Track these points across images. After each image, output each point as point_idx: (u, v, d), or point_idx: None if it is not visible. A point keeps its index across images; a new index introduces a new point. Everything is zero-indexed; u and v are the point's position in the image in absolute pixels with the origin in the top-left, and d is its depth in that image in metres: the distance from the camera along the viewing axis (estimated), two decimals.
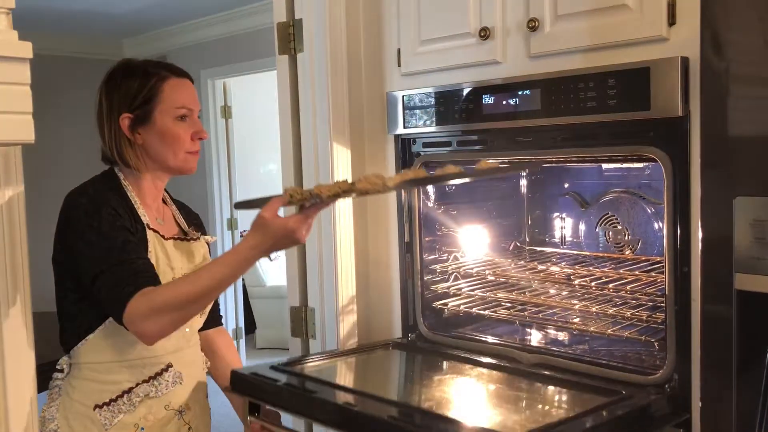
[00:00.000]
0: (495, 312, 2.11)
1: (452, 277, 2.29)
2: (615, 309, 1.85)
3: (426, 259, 2.21)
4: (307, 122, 2.23)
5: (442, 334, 2.14)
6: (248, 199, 1.59)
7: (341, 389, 1.78)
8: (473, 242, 2.38)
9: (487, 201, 2.47)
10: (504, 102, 1.86)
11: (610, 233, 2.35)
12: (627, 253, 2.31)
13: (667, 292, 1.65)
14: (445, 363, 1.98)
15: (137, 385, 1.60)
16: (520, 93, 1.83)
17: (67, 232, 1.55)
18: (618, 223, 2.33)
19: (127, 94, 1.59)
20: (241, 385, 1.78)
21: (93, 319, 1.57)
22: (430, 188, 2.19)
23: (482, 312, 2.15)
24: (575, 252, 2.39)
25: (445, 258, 2.30)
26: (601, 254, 2.33)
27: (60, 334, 1.64)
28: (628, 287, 1.88)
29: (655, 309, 1.83)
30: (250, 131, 6.35)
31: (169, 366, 1.65)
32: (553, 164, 2.35)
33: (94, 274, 1.49)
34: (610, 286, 1.93)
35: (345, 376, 2.02)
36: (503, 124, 1.88)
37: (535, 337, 2.08)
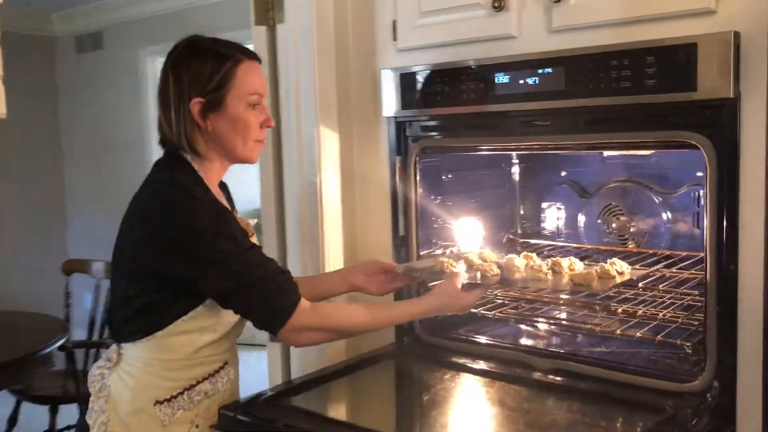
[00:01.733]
0: (501, 312, 1.93)
1: None
2: (644, 309, 1.69)
3: (422, 255, 2.01)
4: (289, 103, 1.99)
5: (441, 337, 1.95)
6: (417, 265, 1.85)
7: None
8: (468, 235, 2.19)
9: (482, 191, 2.29)
10: (521, 81, 1.67)
11: (614, 225, 2.20)
12: (631, 246, 2.17)
13: (708, 292, 1.50)
14: (447, 377, 1.77)
15: (198, 383, 1.54)
16: (540, 71, 1.64)
17: (180, 238, 1.40)
18: (622, 214, 2.19)
19: (199, 76, 1.45)
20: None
21: (168, 316, 1.46)
22: (424, 178, 1.98)
23: (486, 313, 1.97)
24: (574, 245, 2.24)
25: (441, 253, 2.10)
26: (603, 247, 2.18)
27: (119, 324, 1.52)
28: (660, 286, 1.73)
29: (687, 309, 1.68)
30: None
31: (226, 363, 1.60)
32: (549, 151, 2.18)
33: (236, 284, 1.41)
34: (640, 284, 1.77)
35: (338, 410, 1.78)
36: (519, 106, 1.70)
37: (547, 340, 1.91)
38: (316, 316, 1.49)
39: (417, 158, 1.93)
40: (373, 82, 2.00)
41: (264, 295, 1.42)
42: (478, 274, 1.75)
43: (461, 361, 1.83)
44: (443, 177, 2.11)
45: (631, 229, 2.16)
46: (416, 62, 1.88)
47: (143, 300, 1.46)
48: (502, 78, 1.70)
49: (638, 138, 1.59)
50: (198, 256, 1.39)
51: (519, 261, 1.78)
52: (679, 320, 1.62)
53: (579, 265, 1.76)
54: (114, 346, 1.54)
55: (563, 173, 2.32)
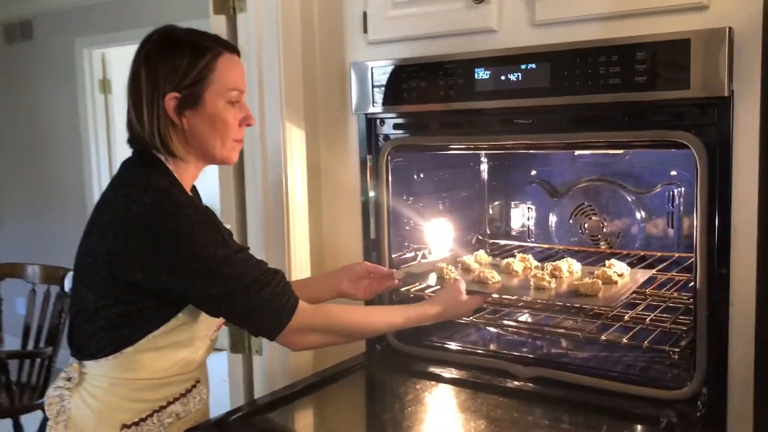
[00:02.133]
0: (477, 317, 1.85)
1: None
2: (631, 312, 1.64)
3: (394, 259, 1.91)
4: (251, 98, 1.85)
5: (415, 345, 1.86)
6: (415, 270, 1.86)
7: None
8: (439, 237, 2.11)
9: (452, 191, 2.21)
10: (503, 77, 1.60)
11: (586, 225, 2.16)
12: (603, 246, 2.13)
13: (697, 296, 1.46)
14: (422, 388, 1.67)
15: (168, 404, 1.41)
16: (524, 67, 1.57)
17: (166, 245, 1.28)
18: (594, 213, 2.14)
19: (175, 70, 1.32)
20: None
21: (142, 330, 1.34)
22: (396, 178, 1.89)
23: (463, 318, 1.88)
24: (545, 245, 2.18)
25: (414, 256, 2.01)
26: (575, 248, 2.14)
27: (84, 339, 1.37)
28: (648, 290, 1.68)
29: (674, 313, 1.64)
30: None
31: (198, 382, 1.47)
32: (521, 150, 2.12)
33: (231, 290, 1.31)
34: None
35: (312, 427, 1.66)
36: (500, 104, 1.62)
37: (528, 346, 1.84)
38: (319, 317, 1.43)
39: (389, 157, 1.83)
40: (342, 77, 1.89)
41: (261, 298, 1.32)
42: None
43: (437, 370, 1.74)
44: (415, 177, 2.02)
45: (604, 230, 2.12)
46: (388, 56, 1.78)
47: (115, 312, 1.32)
48: (482, 74, 1.62)
49: (625, 137, 1.53)
50: (187, 263, 1.27)
51: (517, 265, 1.72)
52: (667, 324, 1.57)
53: (576, 267, 1.71)
54: (75, 365, 1.39)
55: (533, 172, 2.26)
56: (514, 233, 2.32)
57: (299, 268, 1.88)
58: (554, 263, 1.76)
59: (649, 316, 1.60)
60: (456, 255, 2.05)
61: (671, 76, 1.39)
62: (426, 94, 1.70)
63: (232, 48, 1.40)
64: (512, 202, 2.32)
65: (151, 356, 1.35)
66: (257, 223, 1.90)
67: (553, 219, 2.22)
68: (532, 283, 1.70)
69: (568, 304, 1.68)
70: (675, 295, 1.71)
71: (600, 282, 1.62)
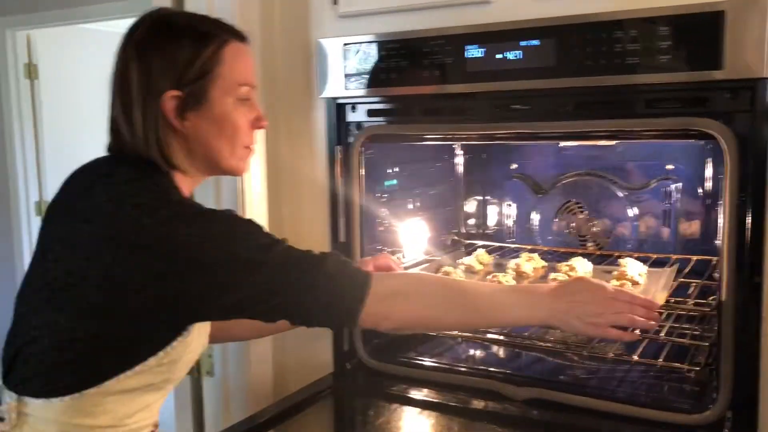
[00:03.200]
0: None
1: None
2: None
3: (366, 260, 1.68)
4: None
5: (391, 362, 1.63)
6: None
7: None
8: (413, 238, 1.89)
9: (427, 186, 1.99)
10: (499, 56, 1.38)
11: (572, 224, 1.97)
12: (591, 247, 1.94)
13: (723, 308, 1.28)
14: (399, 414, 1.45)
15: None
16: (524, 44, 1.35)
17: (212, 260, 1.02)
18: (582, 211, 1.95)
19: (174, 63, 1.09)
20: None
21: (115, 367, 1.07)
22: (369, 172, 1.65)
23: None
24: (528, 246, 1.98)
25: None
26: (561, 249, 1.95)
27: (34, 373, 1.08)
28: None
29: (684, 322, 1.46)
30: (65, 95, 5.28)
31: (155, 426, 1.21)
32: (499, 141, 1.92)
33: (295, 292, 1.05)
34: None
35: None
36: (496, 86, 1.40)
37: (523, 363, 1.63)
38: (404, 276, 1.27)
39: (362, 148, 1.60)
40: (307, 56, 1.64)
41: (324, 277, 1.07)
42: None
43: (417, 393, 1.53)
44: (389, 171, 1.79)
45: (593, 229, 1.94)
46: (363, 31, 1.54)
47: (96, 344, 1.05)
48: (474, 51, 1.40)
49: (641, 126, 1.33)
50: (240, 276, 1.02)
51: (527, 266, 1.53)
52: (685, 340, 1.39)
53: (588, 267, 1.53)
54: (13, 403, 1.11)
55: (514, 166, 2.06)
56: (492, 233, 2.12)
57: None
58: (568, 263, 1.58)
59: (664, 327, 1.41)
60: (441, 257, 1.85)
61: (701, 54, 1.20)
62: (408, 75, 1.47)
63: (239, 35, 1.17)
64: (490, 199, 2.12)
65: (116, 400, 1.08)
66: None
67: (536, 217, 2.02)
68: None
69: None
70: (690, 303, 1.52)
71: (629, 284, 1.43)
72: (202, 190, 1.63)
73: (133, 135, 1.09)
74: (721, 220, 1.28)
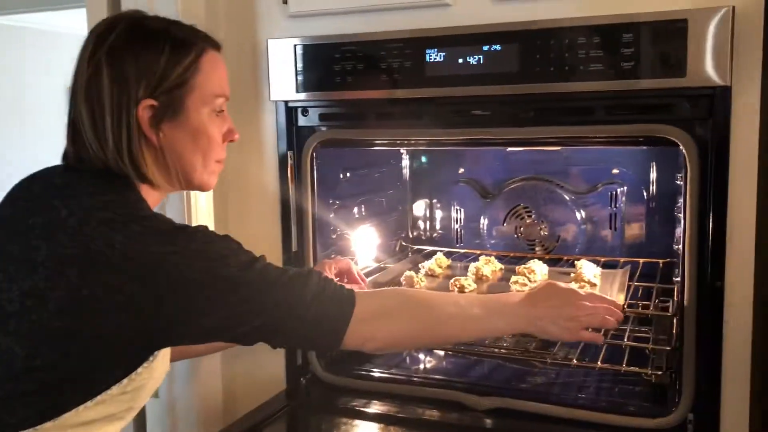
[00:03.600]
0: None
1: None
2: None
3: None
4: None
5: (346, 375, 1.58)
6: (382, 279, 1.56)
7: None
8: (364, 245, 1.84)
9: (376, 192, 1.95)
10: (460, 60, 1.35)
11: (521, 229, 1.96)
12: (538, 251, 1.94)
13: (686, 313, 1.29)
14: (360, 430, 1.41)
15: None
16: (486, 48, 1.33)
17: (199, 279, 0.95)
18: (530, 216, 1.95)
19: (151, 70, 1.02)
20: None
21: (71, 401, 0.95)
22: (321, 179, 1.59)
23: None
24: (477, 251, 1.96)
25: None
26: (510, 254, 1.94)
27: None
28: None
29: (642, 326, 1.48)
30: None
31: None
32: (447, 146, 1.89)
33: (279, 316, 1.00)
34: None
35: None
36: (456, 91, 1.37)
37: (485, 372, 1.61)
38: (386, 292, 1.22)
39: (314, 154, 1.53)
40: (254, 56, 1.56)
41: (314, 300, 1.02)
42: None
43: (376, 407, 1.48)
44: (341, 176, 1.73)
45: (541, 233, 1.94)
46: (315, 32, 1.48)
47: (55, 375, 0.93)
48: (434, 55, 1.36)
49: (601, 132, 1.34)
50: (220, 296, 0.95)
51: (487, 269, 1.52)
52: (647, 345, 1.40)
53: (545, 269, 1.53)
54: None
55: (461, 170, 2.04)
56: (439, 238, 2.09)
57: None
58: (526, 266, 1.59)
59: (625, 332, 1.42)
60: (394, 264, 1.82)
61: (665, 62, 1.21)
62: (364, 78, 1.42)
63: (215, 43, 1.12)
64: (437, 204, 2.09)
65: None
66: None
67: (484, 222, 2.01)
68: (513, 289, 1.51)
69: None
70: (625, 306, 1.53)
71: (587, 286, 1.45)
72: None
73: (103, 146, 1.01)
74: (677, 226, 1.30)
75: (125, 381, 0.98)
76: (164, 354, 1.05)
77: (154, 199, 1.08)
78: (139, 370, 0.99)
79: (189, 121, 1.06)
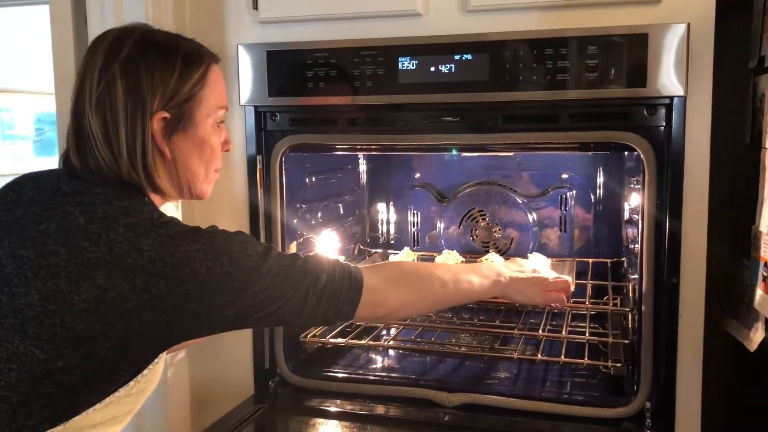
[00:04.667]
0: (380, 340, 1.64)
1: None
2: (568, 328, 1.53)
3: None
4: None
5: (315, 377, 1.60)
6: None
7: None
8: (327, 248, 1.86)
9: (336, 196, 1.97)
10: (432, 68, 1.39)
11: (476, 231, 2.03)
12: (493, 253, 2.01)
13: (644, 308, 1.38)
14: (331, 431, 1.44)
15: None
16: (457, 57, 1.38)
17: (221, 275, 0.98)
18: (485, 219, 2.02)
19: (165, 83, 1.05)
20: None
21: (85, 402, 0.96)
22: (290, 183, 1.60)
23: (364, 343, 1.66)
24: (434, 254, 2.02)
25: None
26: (465, 256, 1.99)
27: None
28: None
29: (596, 322, 1.56)
30: None
31: None
32: (400, 151, 1.95)
33: (303, 296, 1.06)
34: None
35: None
36: (428, 98, 1.41)
37: (451, 370, 1.65)
38: (386, 265, 1.31)
39: (283, 158, 1.55)
40: (222, 62, 1.54)
41: (329, 289, 1.09)
42: None
43: (348, 407, 1.50)
44: (306, 181, 1.74)
45: (495, 235, 2.01)
46: (285, 38, 1.49)
47: (75, 374, 0.92)
48: (407, 63, 1.40)
49: (565, 139, 1.41)
50: (245, 285, 1.00)
51: (451, 260, 1.59)
52: (608, 339, 1.48)
53: (500, 260, 1.61)
54: None
55: (417, 175, 2.09)
56: (396, 241, 2.13)
57: None
58: (485, 257, 1.70)
59: (584, 328, 1.50)
60: (375, 261, 1.87)
61: (627, 72, 1.29)
62: (336, 85, 1.44)
63: (216, 58, 1.16)
64: (394, 208, 2.13)
65: None
66: None
67: (440, 225, 2.07)
68: None
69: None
70: (588, 303, 1.63)
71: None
72: None
73: (116, 157, 1.02)
74: (624, 227, 1.39)
75: (132, 383, 0.98)
76: (163, 357, 1.05)
77: (158, 205, 1.09)
78: (145, 371, 0.99)
79: (197, 133, 1.10)
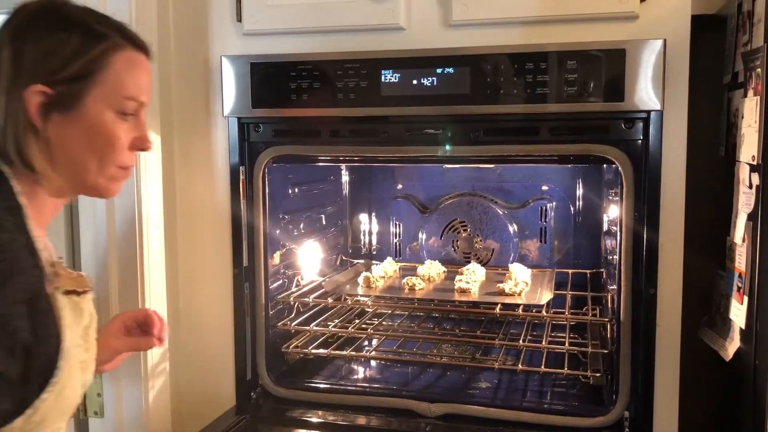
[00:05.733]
0: (362, 351, 1.65)
1: (295, 309, 1.75)
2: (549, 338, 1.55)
3: (271, 289, 1.63)
4: None
5: (297, 388, 1.60)
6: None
7: None
8: (309, 259, 1.86)
9: (318, 207, 1.98)
10: (415, 81, 1.41)
11: (458, 242, 2.05)
12: (473, 263, 2.03)
13: (622, 318, 1.40)
14: None
15: None
16: (439, 71, 1.40)
17: None
18: (466, 230, 2.04)
19: (52, 55, 0.98)
20: None
21: None
22: (272, 194, 1.61)
23: (346, 353, 1.66)
24: (416, 264, 2.03)
25: (282, 284, 1.75)
26: (447, 267, 2.01)
27: None
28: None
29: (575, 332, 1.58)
30: None
31: None
32: (383, 163, 1.96)
33: None
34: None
35: None
36: (410, 111, 1.43)
37: (433, 380, 1.66)
38: None
39: (266, 169, 1.55)
40: (205, 73, 1.56)
41: None
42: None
43: (330, 418, 1.50)
44: (289, 192, 1.75)
45: (476, 246, 2.03)
46: (269, 50, 1.50)
47: None
48: (389, 76, 1.42)
49: (545, 151, 1.43)
50: None
51: (434, 270, 1.64)
52: (587, 348, 1.50)
53: (482, 271, 1.64)
54: None
55: (399, 186, 2.11)
56: (376, 252, 2.14)
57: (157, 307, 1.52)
58: (467, 267, 1.76)
59: (564, 339, 1.52)
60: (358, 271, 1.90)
61: (605, 87, 1.32)
62: (320, 96, 1.46)
63: (139, 43, 1.06)
64: (376, 219, 2.14)
65: None
66: (99, 259, 1.50)
67: (422, 236, 2.08)
68: (457, 287, 1.68)
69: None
70: (568, 314, 1.65)
71: (522, 284, 1.65)
72: (95, 217, 1.50)
73: None
74: (603, 239, 1.41)
75: (29, 411, 0.91)
76: (70, 373, 0.97)
77: (51, 204, 1.04)
78: (44, 395, 0.92)
79: (85, 118, 1.00)
